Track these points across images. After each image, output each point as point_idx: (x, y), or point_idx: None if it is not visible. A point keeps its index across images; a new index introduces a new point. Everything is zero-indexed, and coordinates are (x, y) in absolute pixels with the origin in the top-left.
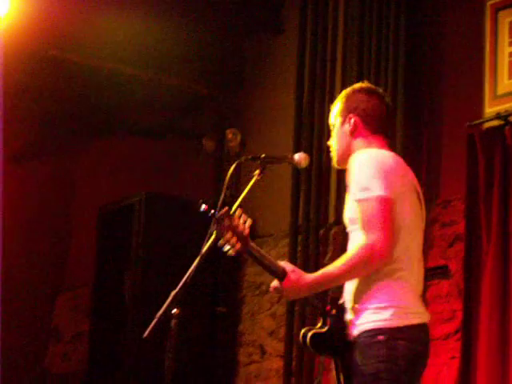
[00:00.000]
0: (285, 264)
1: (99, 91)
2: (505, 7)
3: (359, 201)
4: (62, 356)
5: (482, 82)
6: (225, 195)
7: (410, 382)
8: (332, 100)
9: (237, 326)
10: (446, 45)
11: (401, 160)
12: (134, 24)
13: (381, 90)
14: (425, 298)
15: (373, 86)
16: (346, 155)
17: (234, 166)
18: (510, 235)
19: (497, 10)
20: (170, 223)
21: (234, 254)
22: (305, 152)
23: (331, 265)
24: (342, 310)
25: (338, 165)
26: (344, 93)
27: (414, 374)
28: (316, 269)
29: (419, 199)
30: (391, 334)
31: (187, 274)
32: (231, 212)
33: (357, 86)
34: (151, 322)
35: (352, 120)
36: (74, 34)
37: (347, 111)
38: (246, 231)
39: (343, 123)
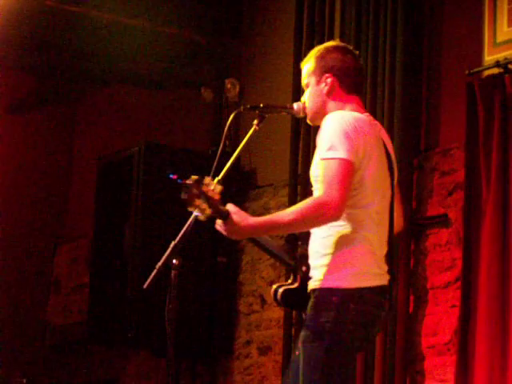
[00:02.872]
0: (229, 206)
1: (97, 41)
2: None
3: (323, 159)
4: (62, 307)
5: (481, 29)
6: (224, 145)
7: (356, 345)
8: None
9: (237, 276)
10: None
11: (371, 121)
12: None
13: (354, 50)
14: (392, 259)
15: (347, 45)
16: (320, 114)
17: (232, 115)
18: (510, 183)
19: None
20: (169, 173)
21: (204, 219)
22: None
23: (280, 212)
24: (309, 267)
25: (312, 122)
26: (317, 51)
27: (364, 337)
28: None
29: (389, 160)
30: (345, 295)
31: (187, 224)
32: (200, 180)
33: (331, 44)
34: (151, 273)
35: (329, 80)
36: None
37: (323, 70)
38: (216, 197)
39: (319, 82)
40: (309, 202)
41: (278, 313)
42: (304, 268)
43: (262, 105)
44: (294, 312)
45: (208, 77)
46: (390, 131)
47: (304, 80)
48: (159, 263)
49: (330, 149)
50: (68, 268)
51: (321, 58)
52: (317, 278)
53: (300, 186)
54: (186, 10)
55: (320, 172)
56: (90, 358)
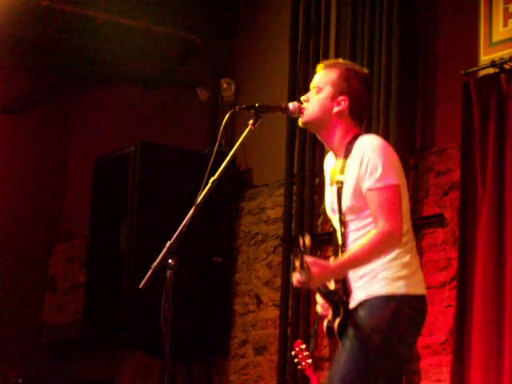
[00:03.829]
0: (308, 259)
1: (93, 41)
2: None
3: (377, 189)
4: (58, 307)
5: (477, 29)
6: (219, 144)
7: (403, 351)
8: (326, 48)
9: (233, 275)
10: None
11: None
12: None
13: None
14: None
15: (369, 77)
16: (318, 124)
17: (228, 115)
18: (505, 183)
19: None
20: (165, 173)
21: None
22: (299, 101)
23: (353, 250)
24: (345, 294)
25: (303, 125)
26: (346, 68)
27: (408, 340)
28: (311, 218)
29: None
30: (400, 301)
31: (182, 224)
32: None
33: (360, 70)
34: (147, 272)
35: (343, 103)
36: None
37: (341, 90)
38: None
39: (333, 98)
40: (376, 236)
41: (273, 313)
42: (345, 298)
43: (257, 104)
44: (289, 312)
45: (204, 76)
46: (386, 131)
47: (318, 82)
48: (155, 263)
49: (380, 177)
50: (64, 267)
51: (347, 77)
52: (372, 288)
53: (296, 186)
54: (182, 10)
55: (373, 202)
56: (85, 357)
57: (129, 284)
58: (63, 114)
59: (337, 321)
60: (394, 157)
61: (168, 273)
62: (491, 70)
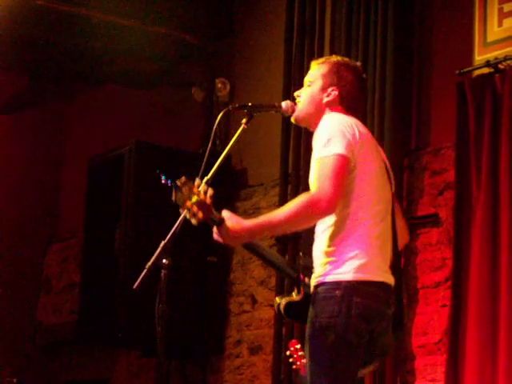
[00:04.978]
0: (224, 212)
1: (88, 41)
2: None
3: (317, 158)
4: (53, 307)
5: (471, 29)
6: (213, 144)
7: (362, 341)
8: (321, 48)
9: (227, 275)
10: None
11: (368, 131)
12: None
13: (364, 75)
14: (399, 265)
15: (362, 70)
16: (310, 117)
17: (221, 114)
18: (500, 183)
19: None
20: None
21: (196, 223)
22: (293, 100)
23: (274, 211)
24: (308, 274)
25: (297, 122)
26: (336, 61)
27: (369, 332)
28: None
29: (387, 170)
30: (348, 289)
31: (176, 224)
32: (190, 182)
33: (350, 62)
34: (141, 272)
35: (333, 93)
36: None
37: (331, 82)
38: (208, 200)
39: (323, 90)
40: (301, 199)
41: (268, 313)
42: (306, 279)
43: (250, 104)
44: None
45: (199, 76)
46: (380, 131)
47: (309, 76)
48: (149, 263)
49: (324, 146)
50: (59, 267)
51: (337, 70)
52: (320, 273)
53: (290, 186)
54: (177, 9)
55: (315, 171)
56: (80, 357)
57: (123, 284)
58: (58, 114)
59: (291, 299)
60: (352, 133)
61: (162, 273)
62: (486, 70)
